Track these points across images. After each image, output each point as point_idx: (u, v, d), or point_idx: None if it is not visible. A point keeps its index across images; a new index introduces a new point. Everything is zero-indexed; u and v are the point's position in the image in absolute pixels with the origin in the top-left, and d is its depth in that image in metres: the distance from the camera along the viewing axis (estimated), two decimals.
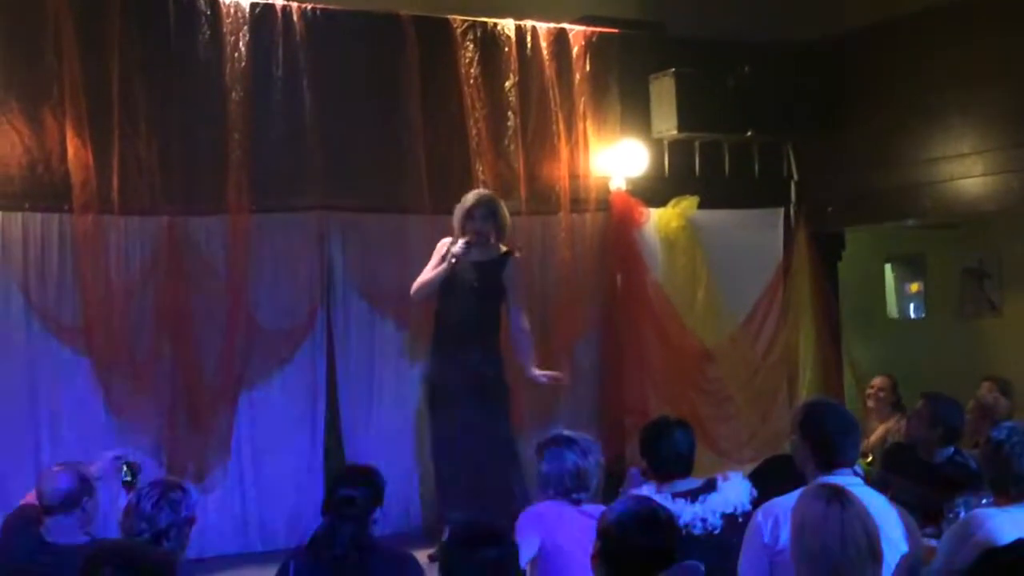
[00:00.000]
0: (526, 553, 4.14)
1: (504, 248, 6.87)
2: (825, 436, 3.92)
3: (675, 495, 4.33)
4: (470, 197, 6.79)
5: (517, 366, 6.95)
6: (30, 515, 4.31)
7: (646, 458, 4.55)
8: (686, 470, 4.49)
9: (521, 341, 6.88)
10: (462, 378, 6.67)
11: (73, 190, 6.55)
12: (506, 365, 6.88)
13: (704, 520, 4.29)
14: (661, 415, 5.02)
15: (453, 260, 6.65)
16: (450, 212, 7.50)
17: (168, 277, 6.81)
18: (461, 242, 6.65)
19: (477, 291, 6.70)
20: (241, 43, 6.89)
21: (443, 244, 6.78)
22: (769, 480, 4.54)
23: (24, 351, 6.56)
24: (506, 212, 6.87)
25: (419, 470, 7.38)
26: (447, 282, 6.72)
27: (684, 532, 4.20)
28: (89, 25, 6.64)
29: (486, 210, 6.73)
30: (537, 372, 6.90)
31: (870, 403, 7.58)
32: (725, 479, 4.47)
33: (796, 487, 3.82)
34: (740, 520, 4.21)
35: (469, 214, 6.71)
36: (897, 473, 5.45)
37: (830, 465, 3.87)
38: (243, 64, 6.90)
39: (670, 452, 4.49)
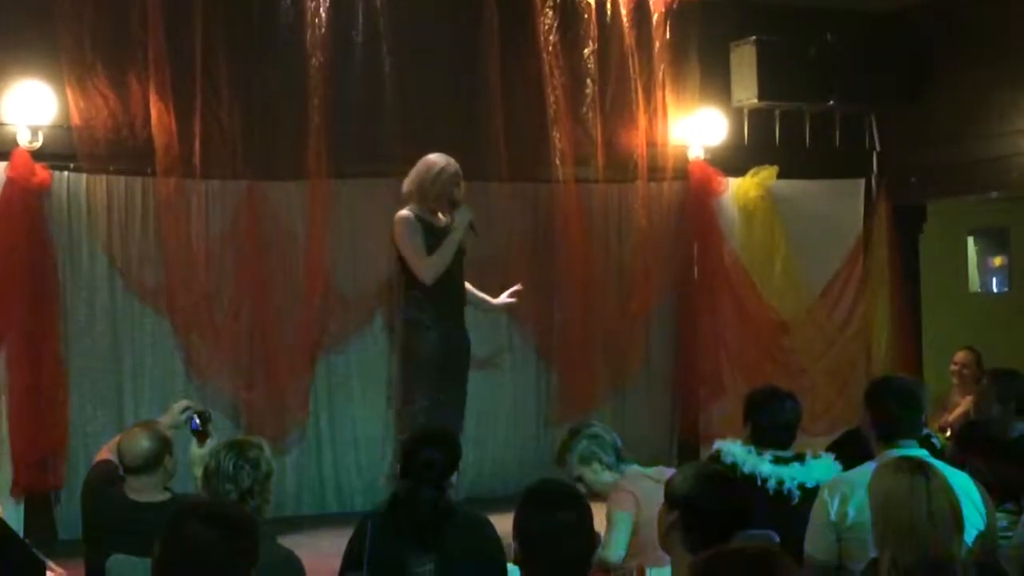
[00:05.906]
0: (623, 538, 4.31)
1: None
2: (887, 410, 3.92)
3: (775, 460, 4.37)
4: (452, 162, 6.23)
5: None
6: (108, 472, 4.37)
7: (751, 422, 4.53)
8: (788, 442, 4.50)
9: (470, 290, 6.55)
10: (465, 350, 6.35)
11: (156, 154, 6.64)
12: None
13: (793, 487, 4.31)
14: (770, 384, 5.01)
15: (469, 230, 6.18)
16: (527, 179, 7.50)
17: (248, 241, 6.91)
18: (468, 211, 6.20)
19: (460, 260, 6.27)
20: (322, 9, 6.91)
21: (409, 216, 6.14)
22: (844, 454, 4.51)
23: (108, 311, 6.70)
24: None
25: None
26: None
27: (774, 493, 4.29)
28: None
29: (460, 177, 6.27)
30: (502, 298, 6.59)
31: (954, 379, 7.46)
32: (816, 457, 4.47)
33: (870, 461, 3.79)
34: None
35: (455, 180, 6.20)
36: (971, 451, 5.36)
37: (891, 439, 3.87)
38: (323, 30, 6.92)
39: (778, 421, 4.50)
